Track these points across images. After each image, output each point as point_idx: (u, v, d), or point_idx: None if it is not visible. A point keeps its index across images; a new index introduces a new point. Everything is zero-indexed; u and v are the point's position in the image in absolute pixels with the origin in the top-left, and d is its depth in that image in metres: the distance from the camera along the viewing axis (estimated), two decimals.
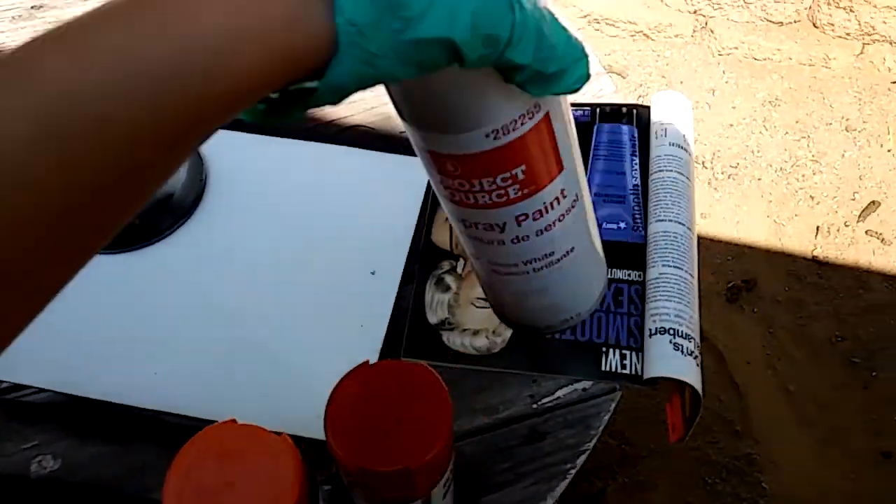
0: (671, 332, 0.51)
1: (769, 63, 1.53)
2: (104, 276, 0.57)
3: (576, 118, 0.65)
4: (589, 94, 0.67)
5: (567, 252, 0.34)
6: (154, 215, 0.59)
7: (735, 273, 1.34)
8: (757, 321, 1.30)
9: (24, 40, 0.18)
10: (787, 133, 1.46)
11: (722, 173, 1.43)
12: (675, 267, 0.54)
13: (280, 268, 0.59)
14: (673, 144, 0.60)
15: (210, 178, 0.63)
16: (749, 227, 1.38)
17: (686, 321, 0.52)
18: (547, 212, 0.31)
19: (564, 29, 0.25)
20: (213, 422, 0.51)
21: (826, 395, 1.23)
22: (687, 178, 0.59)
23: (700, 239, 1.38)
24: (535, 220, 0.31)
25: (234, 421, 0.33)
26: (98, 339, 0.55)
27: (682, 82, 1.53)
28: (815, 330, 1.28)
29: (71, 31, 0.18)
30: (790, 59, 1.51)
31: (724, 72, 1.53)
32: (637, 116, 0.64)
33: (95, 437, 0.50)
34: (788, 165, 1.43)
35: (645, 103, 0.64)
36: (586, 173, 0.62)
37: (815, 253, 1.34)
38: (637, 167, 0.62)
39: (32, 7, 0.73)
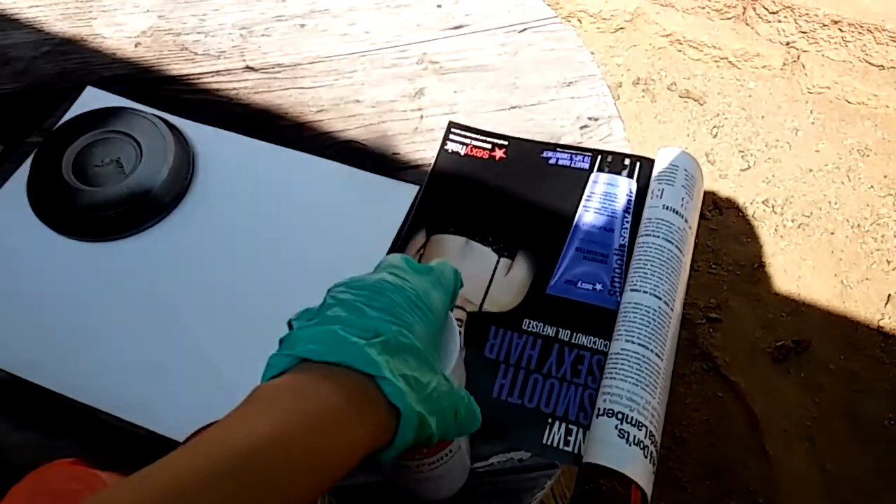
0: (619, 416, 0.47)
1: (863, 108, 1.39)
2: (72, 263, 0.58)
3: (574, 164, 0.60)
4: (595, 137, 0.62)
5: (450, 474, 0.46)
6: (130, 210, 0.59)
7: (787, 331, 1.24)
8: (803, 388, 1.20)
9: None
10: (871, 187, 1.33)
11: (792, 221, 1.32)
12: (639, 345, 0.49)
13: (242, 279, 0.57)
14: (667, 208, 0.54)
15: (198, 175, 0.63)
16: (812, 284, 1.27)
17: (639, 407, 0.47)
18: (440, 461, 0.43)
19: (474, 404, 0.38)
20: (143, 428, 0.51)
21: (867, 480, 1.12)
22: (677, 247, 0.53)
23: (755, 289, 1.28)
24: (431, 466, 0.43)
25: (77, 461, 0.32)
26: (53, 325, 0.56)
27: (763, 117, 1.42)
28: (866, 408, 1.17)
29: (280, 442, 0.28)
30: (887, 106, 1.38)
31: (811, 111, 1.41)
32: (640, 170, 0.59)
33: (30, 423, 0.51)
34: (868, 223, 1.30)
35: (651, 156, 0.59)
36: (574, 222, 0.57)
37: (881, 323, 1.22)
38: (628, 226, 0.57)
39: None
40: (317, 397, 0.30)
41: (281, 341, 0.34)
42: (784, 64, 1.43)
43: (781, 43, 1.42)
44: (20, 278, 0.58)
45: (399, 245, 0.58)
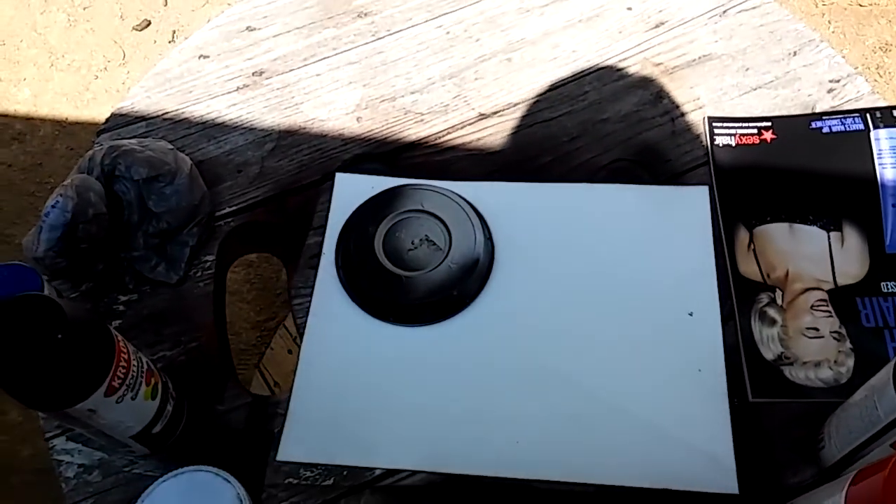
0: None
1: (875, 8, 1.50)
2: (430, 351, 0.58)
3: (848, 128, 0.64)
4: (847, 97, 0.66)
5: None
6: (466, 283, 0.59)
7: None
8: None
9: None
10: None
11: None
12: None
13: (593, 320, 0.58)
14: None
15: (494, 232, 0.62)
16: None
17: None
18: None
19: None
20: (583, 485, 0.52)
21: None
22: None
23: None
24: None
25: None
26: (451, 412, 0.55)
27: None
28: None
29: None
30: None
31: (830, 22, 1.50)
32: None
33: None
34: None
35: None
36: (880, 182, 0.61)
37: None
38: None
39: (254, 74, 0.72)
40: None
41: None
42: None
43: None
44: (400, 378, 0.57)
45: (726, 248, 0.61)
